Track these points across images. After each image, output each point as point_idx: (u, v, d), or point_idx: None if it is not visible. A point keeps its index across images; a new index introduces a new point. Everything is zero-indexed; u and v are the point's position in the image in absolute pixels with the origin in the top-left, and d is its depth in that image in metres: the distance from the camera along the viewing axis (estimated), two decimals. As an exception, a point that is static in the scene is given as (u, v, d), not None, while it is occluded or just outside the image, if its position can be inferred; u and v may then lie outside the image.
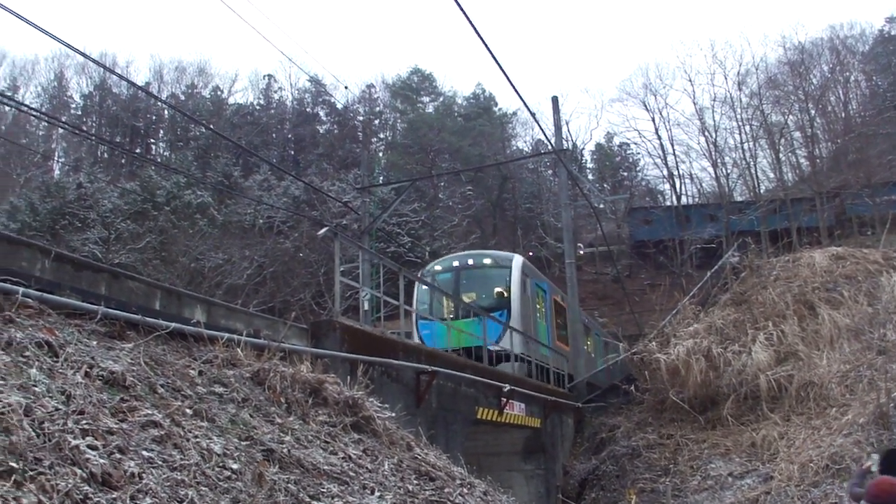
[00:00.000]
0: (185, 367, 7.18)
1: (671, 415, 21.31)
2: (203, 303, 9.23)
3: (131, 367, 6.32)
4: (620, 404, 23.89)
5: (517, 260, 25.88)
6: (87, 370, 5.79)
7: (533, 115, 26.13)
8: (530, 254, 47.94)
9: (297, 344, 10.15)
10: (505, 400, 17.34)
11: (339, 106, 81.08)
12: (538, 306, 26.68)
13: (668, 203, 68.47)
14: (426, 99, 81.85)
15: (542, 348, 24.85)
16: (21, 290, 6.22)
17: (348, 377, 10.12)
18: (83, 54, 19.06)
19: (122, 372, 6.02)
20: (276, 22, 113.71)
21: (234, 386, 7.44)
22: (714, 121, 62.40)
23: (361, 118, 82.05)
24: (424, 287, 24.25)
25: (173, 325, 7.56)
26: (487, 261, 26.01)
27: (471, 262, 25.94)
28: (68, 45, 15.29)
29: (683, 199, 66.83)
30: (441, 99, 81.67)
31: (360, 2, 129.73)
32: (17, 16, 13.41)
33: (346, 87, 71.03)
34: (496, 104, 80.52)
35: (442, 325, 21.27)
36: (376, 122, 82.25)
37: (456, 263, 25.97)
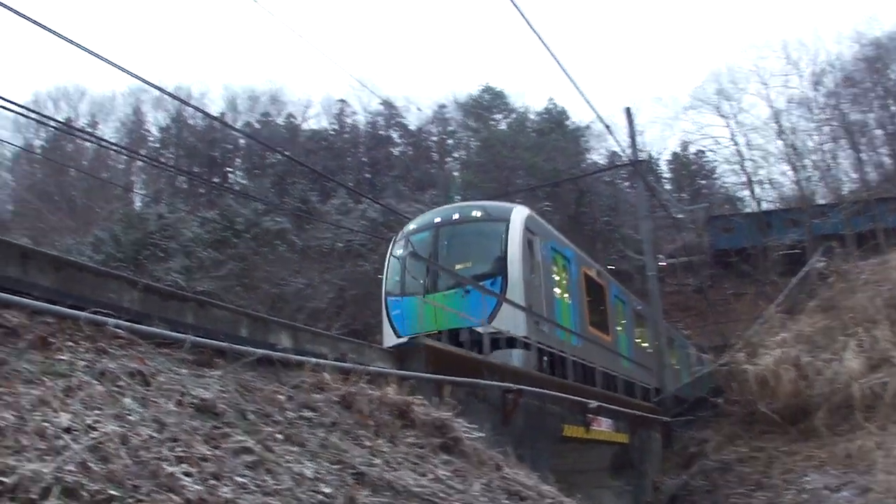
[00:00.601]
0: (274, 392, 7.22)
1: (762, 427, 20.82)
2: (289, 328, 9.29)
3: (221, 394, 6.38)
4: (709, 417, 23.34)
5: (518, 212, 20.04)
6: (179, 398, 5.85)
7: (608, 127, 26.14)
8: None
9: (382, 366, 10.17)
10: (591, 416, 17.17)
11: (412, 127, 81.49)
12: (556, 277, 21.35)
13: (748, 210, 67.40)
14: (499, 116, 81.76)
15: (563, 333, 20.26)
16: (112, 321, 6.32)
17: (435, 398, 10.12)
18: (158, 88, 19.42)
19: (212, 399, 6.09)
20: (346, 47, 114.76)
21: (322, 410, 7.47)
22: (791, 123, 61.39)
23: (435, 138, 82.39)
24: (396, 257, 20.09)
25: (261, 351, 7.60)
26: (477, 213, 20.27)
27: (456, 216, 20.40)
28: (143, 80, 15.56)
29: (763, 205, 65.76)
30: (513, 116, 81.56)
31: (428, 23, 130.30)
32: (94, 54, 13.68)
33: (418, 109, 71.25)
34: (569, 118, 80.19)
35: (416, 302, 18.09)
36: (450, 141, 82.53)
37: (437, 219, 20.40)
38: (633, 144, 31.45)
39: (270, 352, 7.87)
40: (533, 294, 18.64)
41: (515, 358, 16.75)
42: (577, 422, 16.77)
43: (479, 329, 16.29)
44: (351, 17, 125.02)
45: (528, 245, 19.05)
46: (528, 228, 19.38)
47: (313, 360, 8.33)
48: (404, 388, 9.54)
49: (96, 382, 5.39)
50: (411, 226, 20.98)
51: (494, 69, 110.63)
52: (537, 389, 14.66)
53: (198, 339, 7.04)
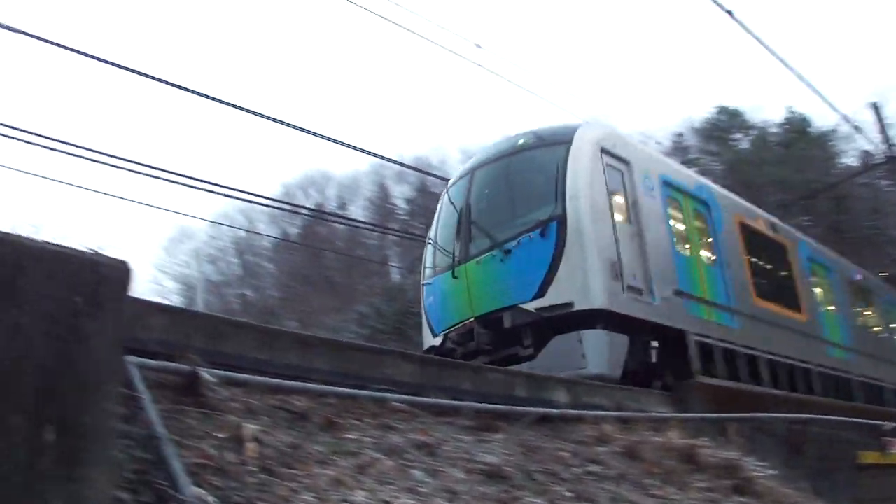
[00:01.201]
0: (557, 450, 7.17)
1: None
2: (564, 384, 9.24)
3: (506, 457, 6.38)
4: None
5: (588, 130, 13.63)
6: (466, 465, 5.89)
7: (856, 128, 24.79)
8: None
9: (661, 411, 9.95)
10: (889, 438, 16.10)
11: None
12: (679, 226, 14.88)
13: None
14: (738, 135, 79.59)
15: (700, 307, 14.09)
16: (392, 396, 6.46)
17: (720, 438, 9.80)
18: (399, 163, 20.07)
19: (499, 463, 6.10)
20: (573, 90, 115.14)
21: (607, 463, 7.35)
22: None
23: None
24: (430, 241, 14.94)
25: (540, 410, 7.61)
26: (525, 141, 13.88)
27: (507, 148, 14.10)
28: (384, 157, 16.12)
29: None
30: (754, 132, 79.13)
31: (651, 55, 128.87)
32: (336, 141, 14.29)
33: (656, 142, 70.43)
34: (811, 125, 76.94)
35: (445, 281, 13.52)
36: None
37: (487, 157, 14.50)
38: (886, 139, 29.76)
39: (550, 410, 7.84)
40: (624, 247, 12.53)
41: (591, 345, 11.31)
42: (872, 446, 15.80)
43: (528, 307, 11.70)
44: (569, 62, 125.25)
45: (609, 175, 13.07)
46: (608, 152, 13.29)
47: (592, 412, 8.24)
48: (687, 431, 9.28)
49: (385, 458, 5.50)
50: (451, 178, 15.88)
51: (726, 88, 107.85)
52: (825, 417, 13.93)
53: (477, 405, 7.11)
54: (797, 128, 75.74)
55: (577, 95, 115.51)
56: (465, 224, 13.48)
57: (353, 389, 6.37)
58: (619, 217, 12.80)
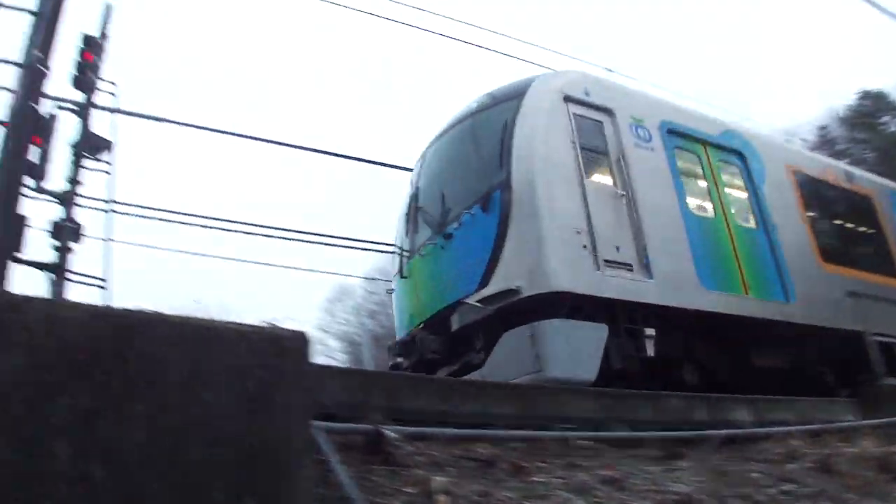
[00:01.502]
0: (746, 471, 7.00)
1: None
2: (746, 402, 9.02)
3: (696, 484, 6.26)
4: None
5: (546, 81, 11.25)
6: (657, 497, 5.80)
7: None
8: None
9: (850, 419, 9.60)
10: None
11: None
12: (690, 181, 12.10)
13: None
14: (886, 118, 76.36)
15: (731, 280, 11.60)
16: (574, 434, 6.45)
17: (917, 442, 9.40)
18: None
19: (689, 492, 5.98)
20: (711, 99, 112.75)
21: (801, 480, 7.12)
22: None
23: (826, 163, 78.30)
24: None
25: (725, 432, 7.46)
26: (479, 103, 11.77)
27: (458, 117, 12.13)
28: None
29: None
30: (903, 113, 75.82)
31: (779, 52, 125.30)
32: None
33: (801, 140, 68.42)
34: (961, 93, 73.20)
35: (399, 283, 11.96)
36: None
37: (439, 131, 12.62)
38: None
39: (735, 430, 7.67)
40: (599, 212, 10.17)
41: (546, 341, 8.86)
42: None
43: (473, 300, 9.66)
44: (703, 68, 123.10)
45: (579, 127, 10.68)
46: (576, 100, 10.92)
47: (780, 429, 8.01)
48: (880, 438, 8.92)
49: (576, 496, 5.47)
50: None
51: (866, 72, 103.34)
52: None
53: (660, 433, 7.02)
54: (947, 99, 72.17)
55: (716, 104, 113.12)
56: (413, 212, 11.94)
57: (534, 431, 6.39)
58: (593, 176, 10.62)
